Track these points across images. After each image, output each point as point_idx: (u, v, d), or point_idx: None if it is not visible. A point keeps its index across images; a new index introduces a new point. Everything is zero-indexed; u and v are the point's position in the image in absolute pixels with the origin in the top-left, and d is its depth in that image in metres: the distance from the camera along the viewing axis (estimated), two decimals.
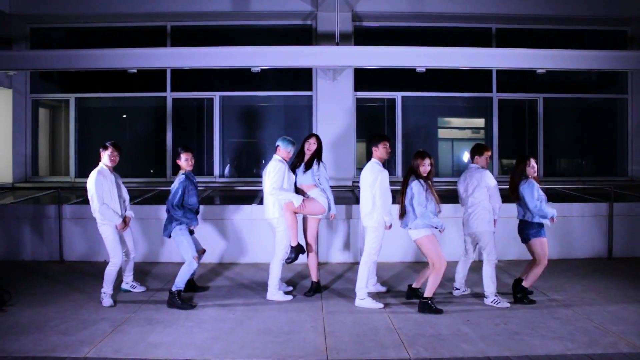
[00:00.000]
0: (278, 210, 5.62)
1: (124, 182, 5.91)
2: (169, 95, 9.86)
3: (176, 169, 9.84)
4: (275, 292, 5.68)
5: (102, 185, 5.49)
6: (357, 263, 6.98)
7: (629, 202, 8.01)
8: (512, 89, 10.18)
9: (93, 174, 5.52)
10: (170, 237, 5.65)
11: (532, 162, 5.48)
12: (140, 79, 9.46)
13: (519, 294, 5.52)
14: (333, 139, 9.17)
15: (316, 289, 5.88)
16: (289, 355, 4.21)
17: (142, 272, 6.70)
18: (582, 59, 7.92)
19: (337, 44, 8.36)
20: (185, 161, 5.69)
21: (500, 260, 6.22)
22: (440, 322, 4.94)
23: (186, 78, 9.88)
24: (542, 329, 4.75)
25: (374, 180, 5.34)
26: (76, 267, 7.07)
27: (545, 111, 10.20)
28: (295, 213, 5.60)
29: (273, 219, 5.68)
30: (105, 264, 5.60)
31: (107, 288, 5.49)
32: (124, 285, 5.97)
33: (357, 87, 9.71)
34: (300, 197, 5.55)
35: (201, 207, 7.41)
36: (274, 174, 5.54)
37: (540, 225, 5.43)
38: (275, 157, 5.72)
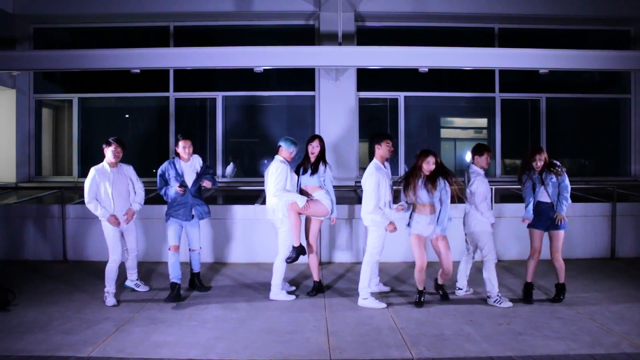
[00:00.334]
0: (281, 210, 5.63)
1: None
2: (172, 95, 9.87)
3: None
4: (278, 291, 5.69)
5: (95, 183, 5.54)
6: (359, 263, 6.98)
7: (632, 202, 7.99)
8: (514, 89, 10.16)
9: (91, 172, 5.58)
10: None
11: (537, 156, 5.53)
12: (143, 79, 9.47)
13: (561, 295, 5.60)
14: (336, 139, 9.18)
15: (318, 289, 5.89)
16: (292, 354, 4.22)
17: (146, 271, 6.71)
18: (584, 59, 7.91)
19: (340, 44, 8.36)
20: (182, 149, 5.68)
21: (502, 260, 6.23)
22: (443, 322, 4.94)
23: (189, 78, 9.89)
24: (545, 329, 4.75)
25: (367, 180, 5.43)
26: (79, 267, 7.09)
27: (548, 111, 10.18)
28: (299, 214, 5.61)
29: (276, 220, 5.68)
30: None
31: (109, 287, 5.51)
32: (127, 283, 6.00)
33: (360, 87, 9.71)
34: (304, 198, 5.55)
35: None
36: (277, 175, 5.54)
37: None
38: (278, 157, 5.72)
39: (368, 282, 5.49)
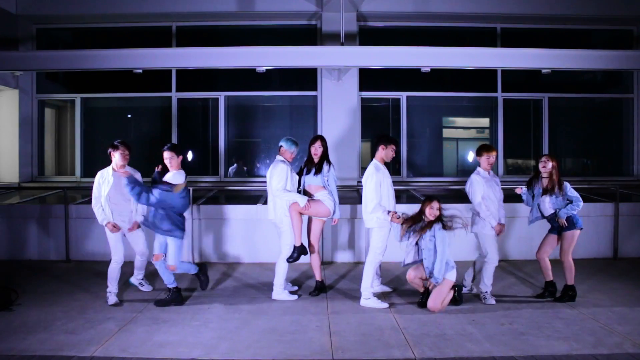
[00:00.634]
0: (283, 210, 5.63)
1: None
2: (174, 95, 9.88)
3: (182, 167, 9.91)
4: (280, 291, 5.70)
5: (99, 186, 5.59)
6: (361, 263, 6.99)
7: (634, 202, 7.97)
8: (517, 88, 10.14)
9: (96, 176, 5.65)
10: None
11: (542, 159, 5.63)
12: (146, 79, 9.50)
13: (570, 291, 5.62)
14: (338, 138, 9.18)
15: (321, 288, 5.90)
16: (294, 354, 4.23)
17: (149, 272, 6.70)
18: (587, 58, 7.89)
19: (342, 44, 8.36)
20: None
21: (503, 260, 6.24)
22: (445, 322, 4.94)
23: (191, 78, 9.90)
24: (548, 329, 4.74)
25: (367, 180, 5.44)
26: (82, 267, 7.11)
27: (551, 111, 10.16)
28: (301, 214, 5.61)
29: (277, 220, 5.69)
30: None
31: (111, 287, 5.53)
32: (132, 280, 6.03)
33: (362, 87, 9.70)
34: (305, 198, 5.56)
35: (206, 207, 7.50)
36: (277, 175, 5.56)
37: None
38: (279, 157, 5.73)
39: (370, 282, 5.49)
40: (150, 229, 5.49)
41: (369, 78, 9.74)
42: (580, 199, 5.50)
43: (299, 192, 5.79)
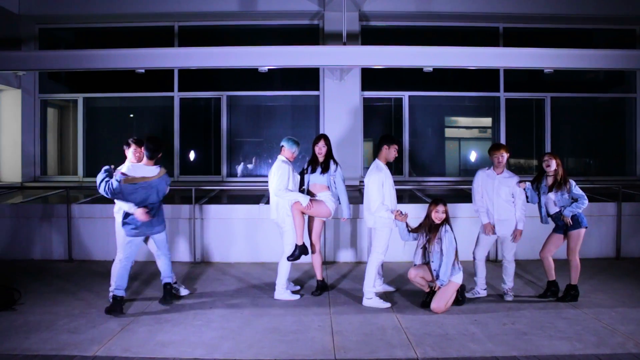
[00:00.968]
0: (285, 210, 5.63)
1: None
2: (177, 95, 9.89)
3: (183, 168, 9.96)
4: (282, 291, 5.70)
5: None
6: (363, 262, 6.99)
7: (637, 201, 7.95)
8: (519, 88, 10.13)
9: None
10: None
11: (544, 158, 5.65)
12: (148, 79, 9.50)
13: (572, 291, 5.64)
14: (340, 138, 9.17)
15: (322, 288, 5.90)
16: (296, 354, 4.23)
17: (151, 273, 6.73)
18: (590, 58, 7.87)
19: (344, 44, 8.36)
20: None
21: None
22: (447, 322, 4.94)
23: (194, 78, 9.90)
24: (550, 329, 4.74)
25: (370, 180, 5.46)
26: (85, 266, 7.12)
27: (553, 110, 10.14)
28: (302, 213, 5.61)
29: (280, 220, 5.69)
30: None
31: (114, 286, 5.50)
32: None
33: (364, 86, 9.70)
34: (307, 197, 5.56)
35: (208, 207, 7.50)
36: (279, 175, 5.56)
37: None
38: (280, 157, 5.73)
39: (373, 282, 5.49)
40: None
41: (371, 78, 9.74)
42: (586, 198, 5.50)
43: (302, 191, 5.79)
